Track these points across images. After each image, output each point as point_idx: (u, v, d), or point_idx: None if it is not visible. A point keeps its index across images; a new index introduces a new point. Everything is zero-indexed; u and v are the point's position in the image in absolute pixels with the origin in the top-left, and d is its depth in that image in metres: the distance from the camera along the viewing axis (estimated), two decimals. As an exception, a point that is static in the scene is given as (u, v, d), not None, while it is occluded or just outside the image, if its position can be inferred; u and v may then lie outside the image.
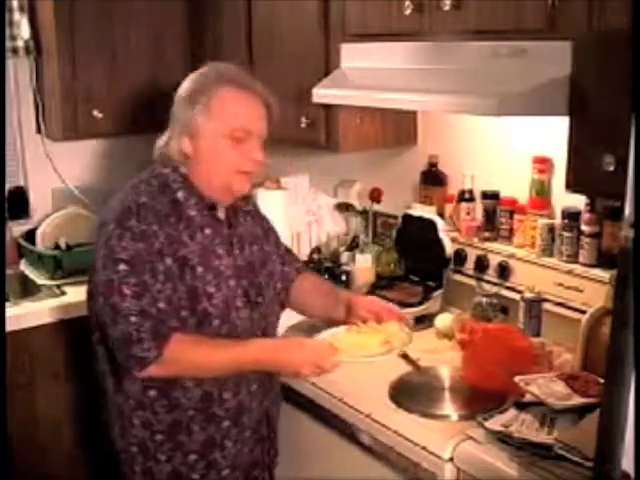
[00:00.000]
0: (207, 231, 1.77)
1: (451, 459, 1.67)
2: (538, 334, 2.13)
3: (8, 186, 2.97)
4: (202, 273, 1.72)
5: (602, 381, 1.37)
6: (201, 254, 1.73)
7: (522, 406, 1.74)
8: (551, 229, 2.14)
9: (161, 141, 1.80)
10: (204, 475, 1.83)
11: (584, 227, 2.05)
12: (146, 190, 1.74)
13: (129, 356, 1.68)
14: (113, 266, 1.66)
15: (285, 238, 1.89)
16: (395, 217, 2.60)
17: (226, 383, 1.79)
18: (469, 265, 2.35)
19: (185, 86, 1.78)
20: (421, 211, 2.43)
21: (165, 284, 1.68)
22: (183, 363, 1.72)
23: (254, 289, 1.83)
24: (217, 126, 1.72)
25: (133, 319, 1.65)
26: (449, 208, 2.44)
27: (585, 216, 2.05)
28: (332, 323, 1.97)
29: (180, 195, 1.75)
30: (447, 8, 1.88)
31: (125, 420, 1.82)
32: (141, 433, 1.80)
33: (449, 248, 2.35)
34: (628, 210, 1.09)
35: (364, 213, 2.77)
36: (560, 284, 2.10)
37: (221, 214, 1.82)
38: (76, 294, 2.55)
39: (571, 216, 2.08)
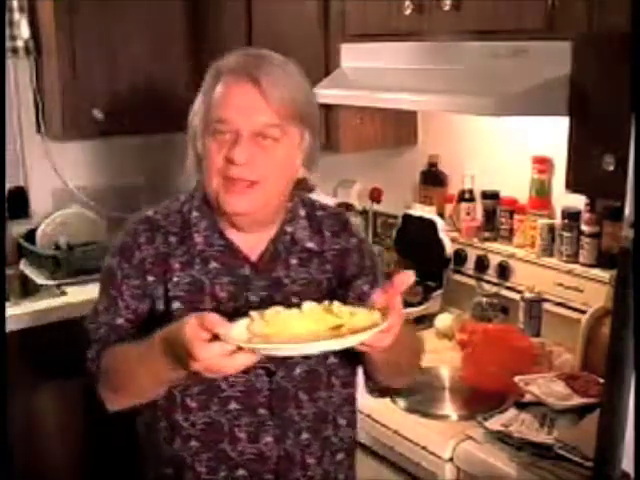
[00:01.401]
0: (212, 264, 1.41)
1: (451, 459, 1.67)
2: (538, 334, 2.13)
3: (8, 186, 2.97)
4: (179, 315, 1.32)
5: (602, 381, 1.37)
6: (189, 289, 1.39)
7: (522, 406, 1.74)
8: (551, 229, 2.13)
9: None
10: None
11: (584, 227, 2.05)
12: (165, 206, 1.48)
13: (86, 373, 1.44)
14: (99, 292, 1.48)
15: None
16: (395, 217, 2.60)
17: (199, 454, 1.41)
18: (469, 265, 2.35)
19: None
20: (421, 211, 2.43)
21: (140, 301, 1.41)
22: (105, 373, 1.39)
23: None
24: (201, 119, 1.41)
25: (91, 326, 1.44)
26: (449, 208, 2.44)
27: (585, 216, 2.05)
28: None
29: (193, 215, 1.44)
30: (447, 8, 1.88)
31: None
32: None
33: (449, 248, 2.35)
34: (628, 210, 1.09)
35: (364, 213, 2.77)
36: (560, 284, 2.10)
37: (246, 247, 1.43)
38: (76, 294, 2.57)
39: (571, 216, 2.08)
